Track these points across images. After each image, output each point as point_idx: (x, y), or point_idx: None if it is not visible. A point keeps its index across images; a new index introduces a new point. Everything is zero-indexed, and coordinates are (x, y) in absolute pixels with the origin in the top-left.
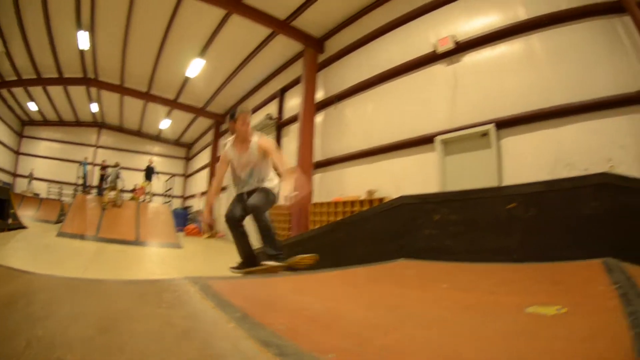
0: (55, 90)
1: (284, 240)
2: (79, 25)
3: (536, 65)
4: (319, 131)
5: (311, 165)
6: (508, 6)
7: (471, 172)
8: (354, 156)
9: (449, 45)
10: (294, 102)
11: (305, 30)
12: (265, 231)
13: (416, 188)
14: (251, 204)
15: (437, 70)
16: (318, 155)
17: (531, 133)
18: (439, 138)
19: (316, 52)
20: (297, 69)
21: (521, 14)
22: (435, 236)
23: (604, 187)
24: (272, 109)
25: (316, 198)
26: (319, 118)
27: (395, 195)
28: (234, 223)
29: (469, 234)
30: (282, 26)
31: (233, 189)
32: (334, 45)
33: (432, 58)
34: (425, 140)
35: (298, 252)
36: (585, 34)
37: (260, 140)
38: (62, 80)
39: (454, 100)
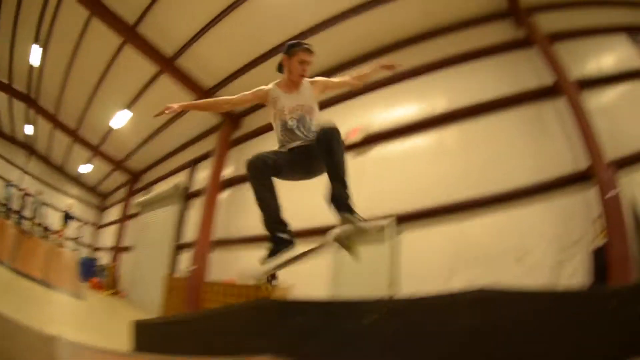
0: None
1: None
2: (37, 39)
3: (449, 156)
4: (224, 208)
5: (209, 241)
6: (426, 98)
7: (368, 270)
8: (251, 239)
9: (358, 137)
10: (204, 175)
11: None
12: (343, 166)
13: (308, 284)
14: (327, 125)
15: None
16: (220, 232)
17: (434, 227)
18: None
19: (232, 128)
20: (212, 141)
21: (439, 107)
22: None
23: (480, 301)
24: (182, 178)
25: (212, 276)
26: (225, 194)
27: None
28: (265, 170)
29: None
30: (207, 95)
31: (277, 144)
32: (251, 123)
33: None
34: (321, 232)
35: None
36: (506, 122)
37: (311, 80)
38: (9, 89)
39: (357, 192)
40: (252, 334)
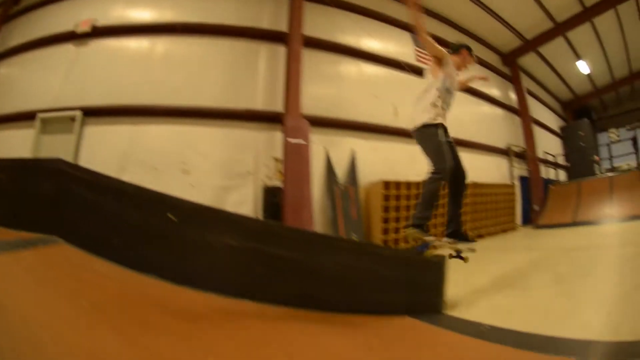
0: None
1: None
2: None
3: (153, 64)
4: None
5: None
6: (159, 6)
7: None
8: None
9: (87, 28)
10: None
11: None
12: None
13: None
14: (464, 168)
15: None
16: None
17: (113, 126)
18: (41, 115)
19: None
20: None
21: (167, 16)
22: None
23: (58, 172)
24: None
25: None
26: None
27: None
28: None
29: None
30: None
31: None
32: None
33: (69, 36)
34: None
35: None
36: (217, 48)
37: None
38: None
39: (67, 78)
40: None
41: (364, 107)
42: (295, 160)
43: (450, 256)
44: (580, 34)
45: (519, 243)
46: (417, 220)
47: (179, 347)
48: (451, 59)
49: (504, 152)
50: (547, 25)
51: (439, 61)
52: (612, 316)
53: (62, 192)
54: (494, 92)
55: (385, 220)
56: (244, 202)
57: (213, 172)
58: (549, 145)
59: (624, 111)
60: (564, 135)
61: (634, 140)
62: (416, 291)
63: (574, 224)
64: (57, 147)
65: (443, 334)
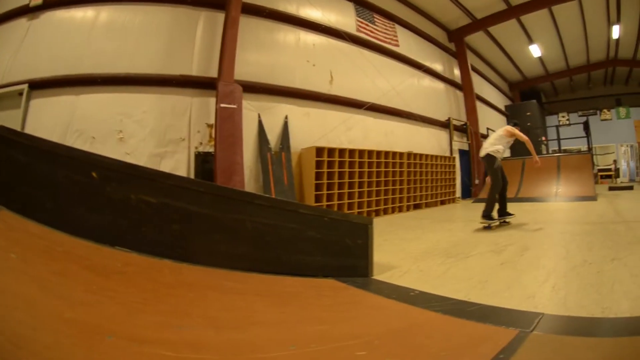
0: None
1: None
2: None
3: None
4: None
5: None
6: None
7: None
8: None
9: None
10: None
11: None
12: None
13: None
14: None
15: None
16: None
17: (57, 97)
18: None
19: None
20: None
21: None
22: None
23: None
24: None
25: None
26: None
27: None
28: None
29: None
30: None
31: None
32: None
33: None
34: None
35: None
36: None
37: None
38: None
39: (17, 53)
40: None
41: (300, 74)
42: (227, 125)
43: (501, 223)
44: (536, 19)
45: (458, 214)
46: (485, 214)
47: (90, 298)
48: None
49: (445, 125)
50: (500, 7)
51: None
52: (558, 290)
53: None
54: (437, 66)
55: (318, 187)
56: (178, 169)
57: (148, 139)
58: (492, 121)
59: (577, 97)
60: (509, 113)
61: (586, 125)
62: (341, 253)
63: (517, 199)
64: (5, 123)
65: (369, 297)
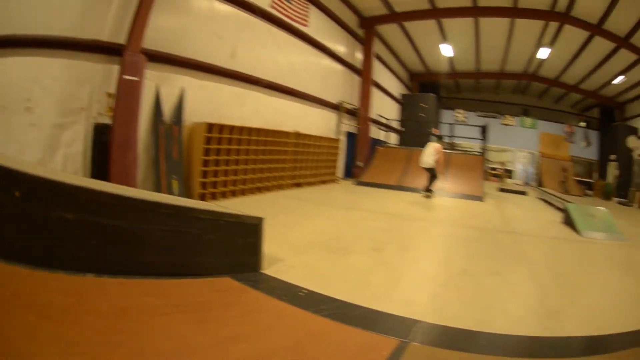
0: None
1: None
2: None
3: None
4: None
5: None
6: None
7: None
8: None
9: None
10: None
11: None
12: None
13: None
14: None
15: None
16: None
17: None
18: None
19: None
20: None
21: None
22: None
23: None
24: None
25: None
26: None
27: None
28: None
29: None
30: None
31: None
32: None
33: None
34: None
35: None
36: None
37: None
38: None
39: None
40: None
41: (205, 46)
42: (127, 98)
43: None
44: (457, 23)
45: (339, 198)
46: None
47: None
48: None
49: (336, 108)
50: (424, 5)
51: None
52: (436, 298)
53: None
54: (341, 49)
55: (205, 163)
56: (76, 140)
57: (52, 108)
58: (385, 108)
59: (480, 99)
60: (405, 102)
61: (484, 129)
62: (235, 252)
63: (399, 187)
64: None
65: (267, 301)
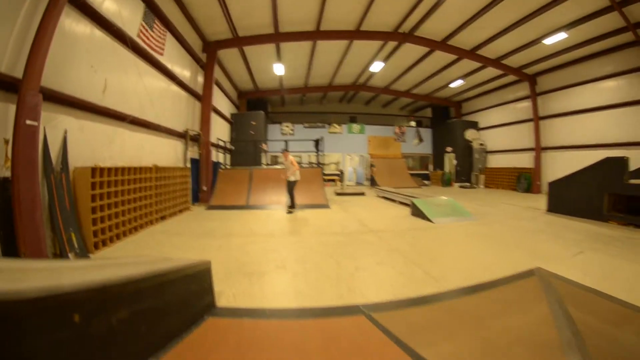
0: None
1: None
2: None
3: None
4: None
5: None
6: None
7: None
8: None
9: None
10: None
11: None
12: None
13: None
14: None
15: None
16: None
17: None
18: None
19: None
20: None
21: None
22: None
23: None
24: None
25: None
26: None
27: None
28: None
29: None
30: None
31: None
32: None
33: None
34: None
35: None
36: None
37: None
38: None
39: None
40: None
41: (80, 79)
42: (27, 146)
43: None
44: (296, 45)
45: (209, 226)
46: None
47: None
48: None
49: (182, 136)
50: (268, 30)
51: None
52: (356, 288)
53: None
54: (186, 74)
55: (94, 210)
56: None
57: None
58: (220, 130)
59: (306, 111)
60: (235, 121)
61: (317, 142)
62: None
63: (250, 207)
64: None
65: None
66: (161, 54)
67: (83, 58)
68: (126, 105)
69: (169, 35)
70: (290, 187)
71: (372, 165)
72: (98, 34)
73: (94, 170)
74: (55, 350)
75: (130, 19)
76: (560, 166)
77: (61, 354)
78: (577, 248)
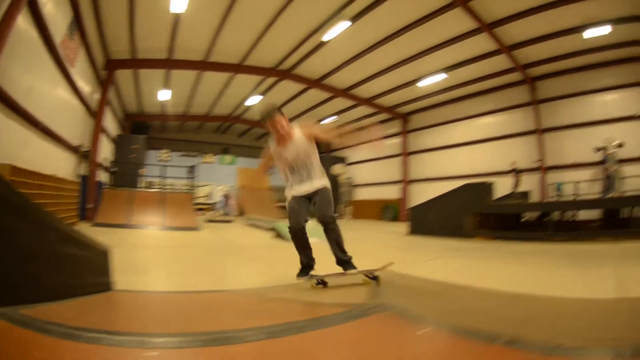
0: None
1: None
2: None
3: None
4: None
5: None
6: None
7: None
8: None
9: None
10: None
11: None
12: (338, 238)
13: None
14: (324, 214)
15: None
16: None
17: None
18: None
19: None
20: None
21: None
22: None
23: None
24: None
25: None
26: None
27: None
28: (301, 232)
29: None
30: None
31: (289, 191)
32: None
33: None
34: None
35: None
36: None
37: (301, 128)
38: None
39: None
40: None
41: (12, 77)
42: None
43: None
44: (184, 72)
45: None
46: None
47: None
48: (274, 144)
49: (76, 150)
50: (163, 55)
51: (269, 162)
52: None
53: None
54: (87, 89)
55: None
56: None
57: None
58: (106, 149)
59: (183, 139)
60: (119, 142)
61: (192, 168)
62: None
63: (129, 226)
64: None
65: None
66: (73, 66)
67: (22, 57)
68: (41, 112)
69: (82, 49)
70: None
71: (239, 196)
72: (34, 35)
73: (14, 168)
74: None
75: (60, 26)
76: (427, 196)
77: None
78: (433, 255)
